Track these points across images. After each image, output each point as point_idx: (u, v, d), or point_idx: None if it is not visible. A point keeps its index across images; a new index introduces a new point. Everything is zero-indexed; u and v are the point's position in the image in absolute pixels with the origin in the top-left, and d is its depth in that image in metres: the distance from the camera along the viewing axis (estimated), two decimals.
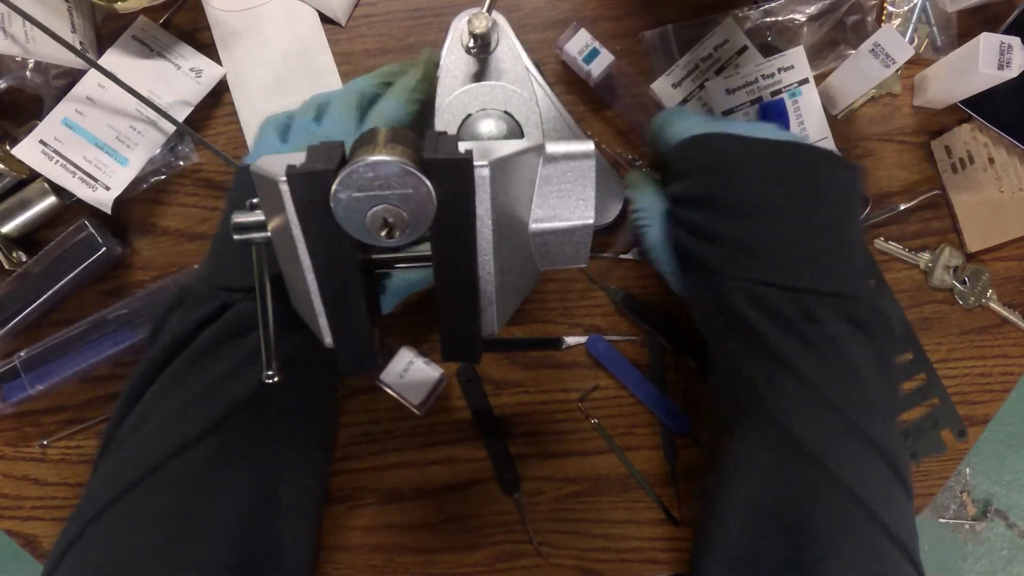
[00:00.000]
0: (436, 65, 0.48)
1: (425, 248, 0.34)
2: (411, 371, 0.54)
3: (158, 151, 0.55)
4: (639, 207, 0.47)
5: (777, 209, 0.40)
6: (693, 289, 0.45)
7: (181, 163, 0.57)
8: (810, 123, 0.55)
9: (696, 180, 0.42)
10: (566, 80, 0.57)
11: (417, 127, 0.47)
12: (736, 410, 0.44)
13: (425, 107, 0.47)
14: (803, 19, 0.56)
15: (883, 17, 0.57)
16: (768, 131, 0.43)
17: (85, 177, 0.53)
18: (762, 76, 0.55)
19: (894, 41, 0.50)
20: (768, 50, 0.56)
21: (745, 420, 0.43)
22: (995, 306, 0.57)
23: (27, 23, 0.50)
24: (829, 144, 0.56)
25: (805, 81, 0.55)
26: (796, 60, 0.55)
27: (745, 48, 0.55)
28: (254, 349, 0.38)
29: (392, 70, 0.49)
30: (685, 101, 0.57)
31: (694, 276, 0.44)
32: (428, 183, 0.29)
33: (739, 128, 0.43)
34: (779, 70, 0.55)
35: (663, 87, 0.57)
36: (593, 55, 0.53)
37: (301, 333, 0.40)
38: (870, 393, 0.40)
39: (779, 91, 0.55)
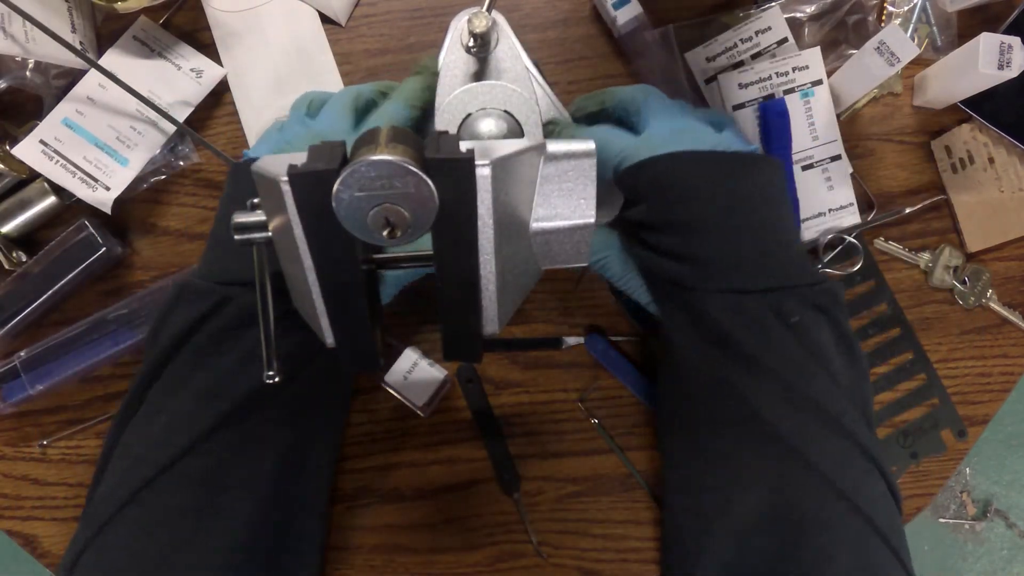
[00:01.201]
0: (435, 75, 0.48)
1: (426, 248, 0.34)
2: (415, 372, 0.54)
3: (158, 151, 0.55)
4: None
5: (732, 223, 0.42)
6: (668, 307, 0.45)
7: (181, 163, 0.57)
8: (820, 124, 0.55)
9: (653, 206, 0.43)
10: (592, 33, 0.57)
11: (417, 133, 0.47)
12: (719, 418, 0.44)
13: (425, 115, 0.47)
14: (804, 19, 0.56)
15: (883, 17, 0.57)
16: (697, 136, 0.43)
17: (85, 177, 0.53)
18: (776, 73, 0.55)
19: (899, 39, 0.50)
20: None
21: (727, 427, 0.43)
22: (995, 306, 0.57)
23: (27, 23, 0.50)
24: (838, 147, 0.56)
25: (819, 82, 0.55)
26: (811, 60, 0.54)
27: (785, 40, 0.55)
28: (257, 342, 0.38)
29: (391, 84, 0.49)
30: (713, 79, 0.56)
31: (667, 294, 0.45)
32: (430, 182, 0.29)
33: (666, 133, 0.43)
34: (794, 69, 0.55)
35: (697, 57, 0.56)
36: (623, 2, 0.53)
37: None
38: (838, 376, 0.42)
39: (792, 90, 0.55)
